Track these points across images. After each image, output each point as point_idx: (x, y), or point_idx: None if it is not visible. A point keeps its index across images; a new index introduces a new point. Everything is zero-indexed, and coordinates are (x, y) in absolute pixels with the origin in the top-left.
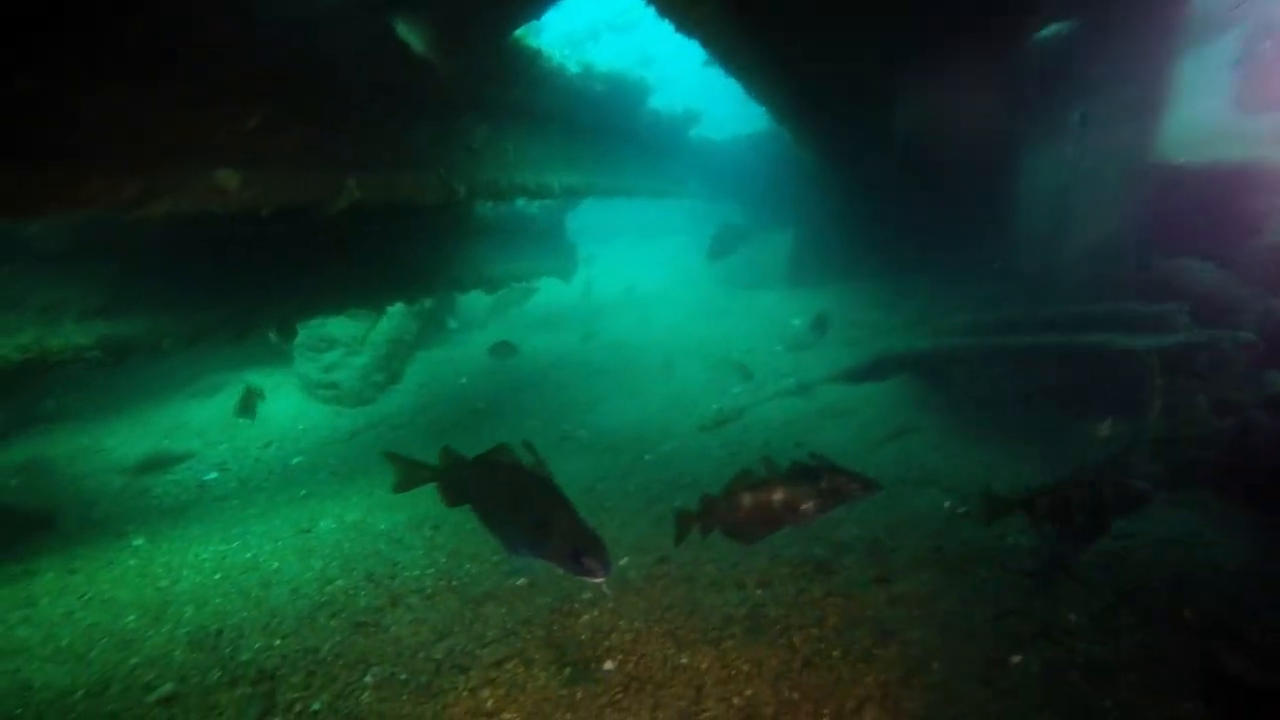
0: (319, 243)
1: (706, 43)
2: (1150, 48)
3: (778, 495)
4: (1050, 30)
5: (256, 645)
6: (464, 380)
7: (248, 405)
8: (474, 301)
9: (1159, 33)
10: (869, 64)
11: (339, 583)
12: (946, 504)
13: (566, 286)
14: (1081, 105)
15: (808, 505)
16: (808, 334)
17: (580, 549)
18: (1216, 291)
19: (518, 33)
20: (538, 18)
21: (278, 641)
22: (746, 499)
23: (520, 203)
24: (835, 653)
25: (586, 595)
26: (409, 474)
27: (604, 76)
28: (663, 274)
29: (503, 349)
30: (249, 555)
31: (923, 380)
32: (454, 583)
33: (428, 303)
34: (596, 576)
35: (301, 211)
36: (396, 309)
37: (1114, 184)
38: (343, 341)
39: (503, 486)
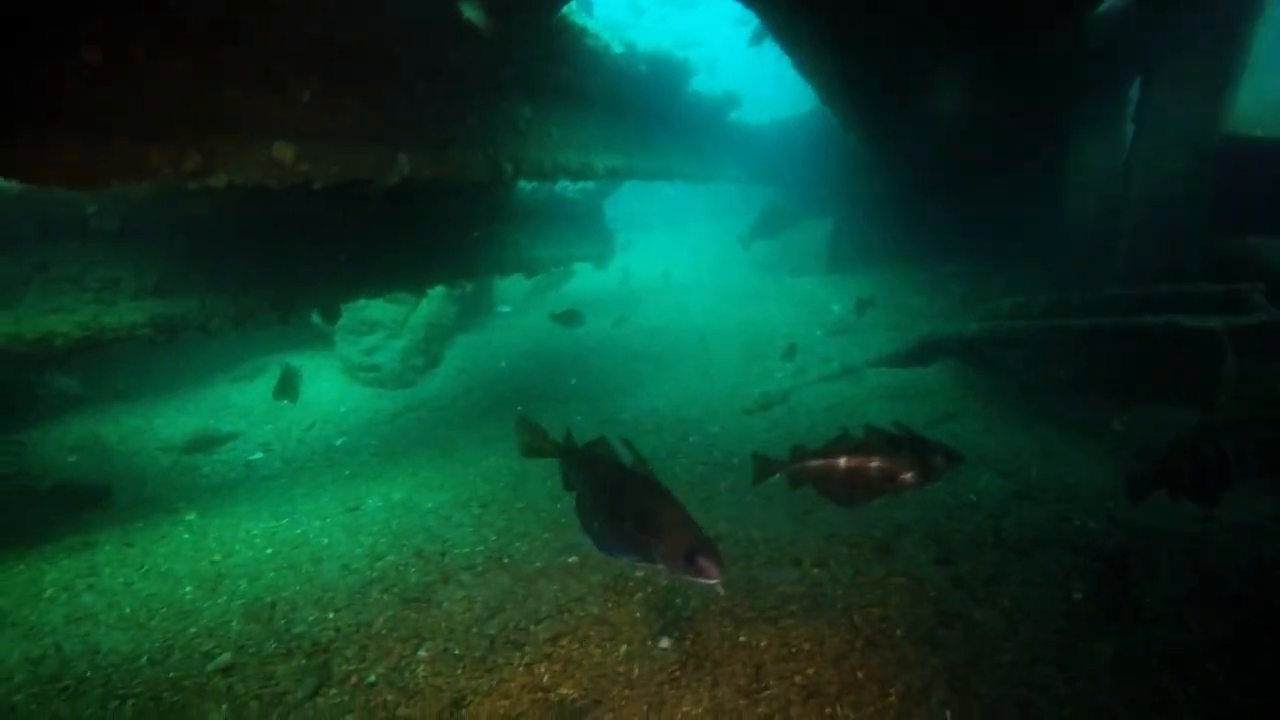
0: (364, 225)
1: (763, 10)
2: (1218, 14)
3: (875, 463)
4: (1109, 3)
5: (310, 618)
6: (503, 364)
7: (287, 386)
8: (512, 286)
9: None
10: (925, 37)
11: (389, 559)
12: (1002, 486)
13: (605, 272)
14: (1142, 81)
15: (907, 476)
16: (850, 318)
17: (693, 550)
18: None
19: (567, 8)
20: None
21: (331, 615)
22: (843, 461)
23: (560, 187)
24: (898, 633)
25: (640, 573)
26: (536, 441)
27: (647, 57)
28: (699, 260)
29: (569, 317)
30: (298, 531)
31: (970, 365)
32: (505, 560)
33: (468, 287)
34: (711, 577)
35: (353, 187)
36: (436, 292)
37: (1178, 162)
38: (384, 324)
39: (603, 482)
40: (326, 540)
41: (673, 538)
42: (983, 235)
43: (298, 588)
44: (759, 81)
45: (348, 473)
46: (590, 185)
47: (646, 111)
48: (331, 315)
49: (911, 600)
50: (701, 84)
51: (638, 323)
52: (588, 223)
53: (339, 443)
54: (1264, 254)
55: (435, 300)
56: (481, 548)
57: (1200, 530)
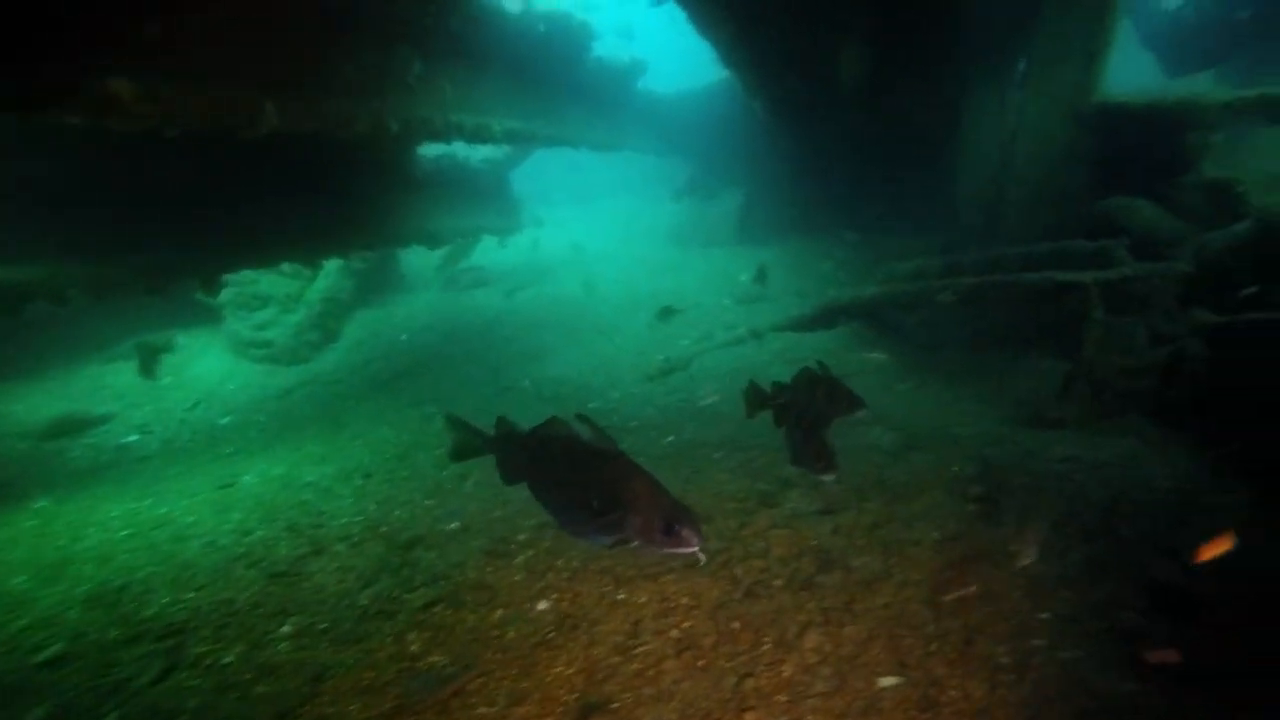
0: (246, 190)
1: None
2: None
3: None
4: None
5: (164, 600)
6: (404, 337)
7: (147, 364)
8: (419, 258)
9: None
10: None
11: (258, 534)
12: (889, 438)
13: (515, 245)
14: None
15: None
16: (754, 287)
17: (670, 520)
18: (1154, 226)
19: None
20: None
21: (189, 595)
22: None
23: (464, 155)
24: (777, 582)
25: (522, 537)
26: (464, 441)
27: (546, 17)
28: (612, 233)
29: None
30: (163, 511)
31: (871, 327)
32: (383, 529)
33: (368, 259)
34: (691, 546)
35: (226, 145)
36: (332, 266)
37: (1058, 128)
38: (276, 299)
39: (563, 463)
40: (192, 519)
41: (646, 510)
42: (886, 202)
43: (153, 569)
44: (678, 50)
45: (230, 450)
46: (496, 154)
47: (547, 74)
48: (212, 287)
49: (794, 550)
50: (616, 49)
51: (546, 293)
52: (493, 193)
53: (224, 421)
54: (1129, 212)
55: (332, 274)
56: (360, 518)
57: (1065, 469)
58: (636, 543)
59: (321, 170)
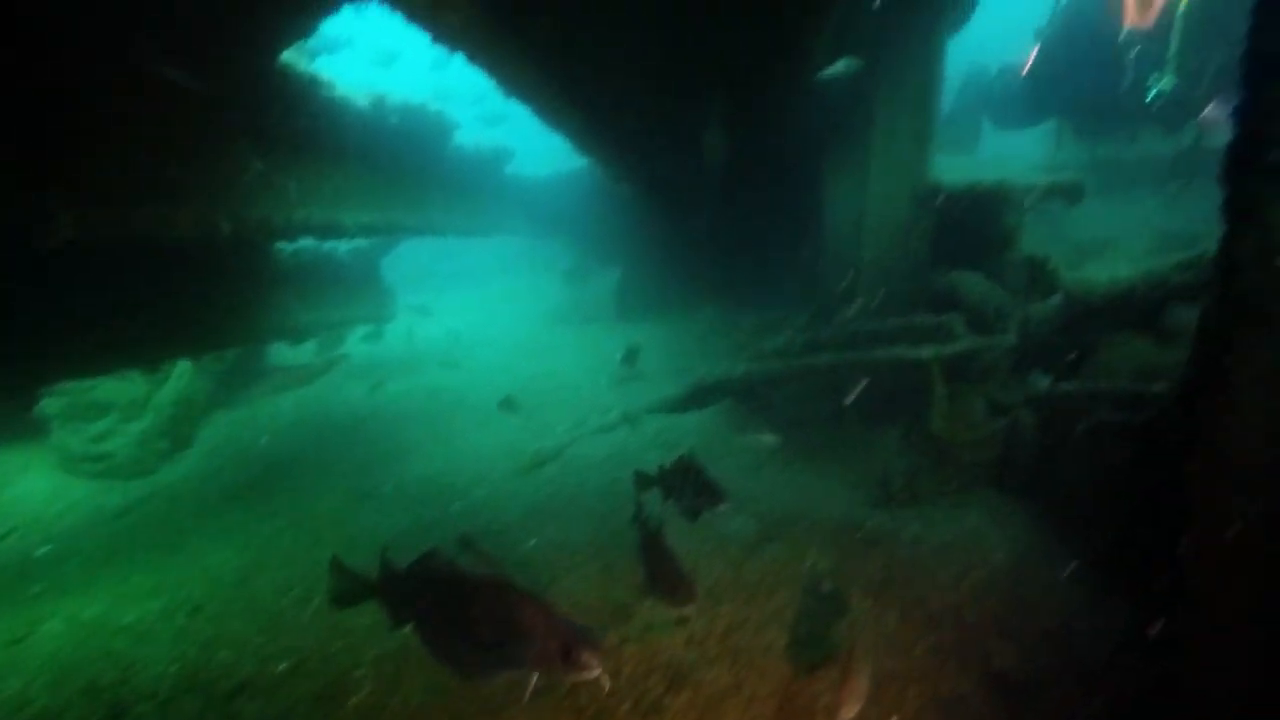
0: (64, 290)
1: (472, 58)
2: (914, 80)
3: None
4: (838, 68)
5: None
6: (264, 440)
7: None
8: (289, 353)
9: (924, 69)
10: (657, 100)
11: (40, 703)
12: (749, 527)
13: (389, 335)
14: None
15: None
16: (627, 366)
17: (568, 645)
18: (985, 300)
19: (286, 58)
20: (304, 37)
21: None
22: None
23: (330, 246)
24: (624, 708)
25: (359, 672)
26: (346, 588)
27: (399, 109)
28: (493, 316)
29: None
30: None
31: (742, 405)
32: (202, 678)
33: (226, 359)
34: (593, 669)
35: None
36: (185, 367)
37: (899, 206)
38: (117, 406)
39: (448, 601)
40: None
41: (541, 639)
42: (758, 278)
43: None
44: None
45: (37, 589)
46: (363, 243)
47: (406, 165)
48: (24, 401)
49: (644, 668)
50: (483, 137)
51: (419, 384)
52: (363, 283)
53: (41, 553)
54: (965, 286)
55: (186, 374)
56: (176, 666)
57: (912, 555)
58: (535, 675)
59: (165, 270)
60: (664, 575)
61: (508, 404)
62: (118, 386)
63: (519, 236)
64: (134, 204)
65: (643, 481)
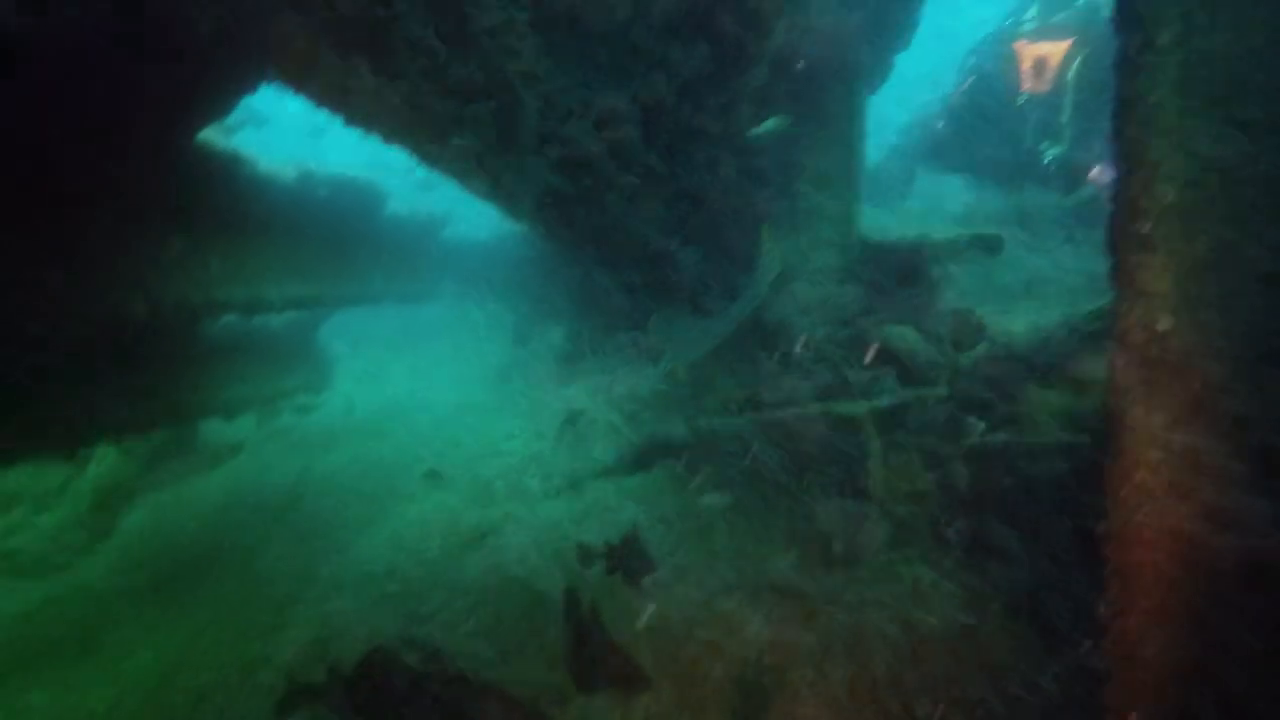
0: None
1: (387, 140)
2: (839, 134)
3: None
4: (770, 125)
5: None
6: (193, 524)
7: None
8: (225, 428)
9: (846, 126)
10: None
11: None
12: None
13: (326, 403)
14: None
15: None
16: (571, 428)
17: None
18: (916, 352)
19: (204, 137)
20: (222, 117)
21: None
22: None
23: (263, 319)
24: None
25: None
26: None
27: (327, 181)
28: (438, 379)
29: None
30: None
31: (686, 464)
32: None
33: (152, 439)
34: None
35: None
36: (108, 450)
37: (829, 258)
38: (27, 497)
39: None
40: None
41: None
42: (703, 329)
43: None
44: None
45: None
46: (299, 315)
47: (336, 236)
48: None
49: None
50: (419, 203)
51: (357, 456)
52: (298, 353)
53: None
54: (897, 338)
55: (109, 457)
56: None
57: (853, 620)
58: None
59: (81, 351)
60: (602, 663)
61: (431, 476)
62: (28, 476)
63: (460, 298)
64: (31, 288)
65: (584, 556)
